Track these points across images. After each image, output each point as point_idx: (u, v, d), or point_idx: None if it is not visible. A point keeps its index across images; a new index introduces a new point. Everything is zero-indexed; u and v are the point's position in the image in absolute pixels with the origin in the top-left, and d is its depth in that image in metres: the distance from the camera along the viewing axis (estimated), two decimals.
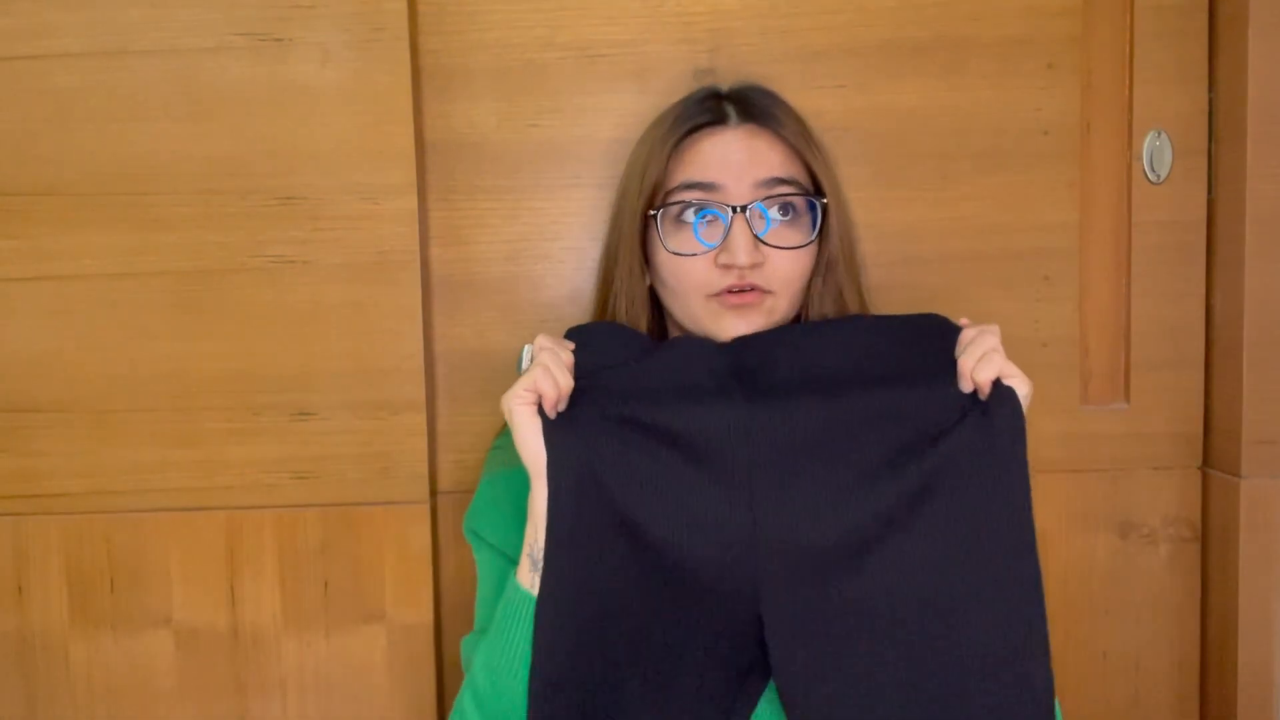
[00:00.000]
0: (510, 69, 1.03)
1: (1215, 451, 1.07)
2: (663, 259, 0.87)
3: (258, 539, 1.02)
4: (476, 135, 1.04)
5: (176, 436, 1.02)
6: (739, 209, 0.84)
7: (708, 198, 0.86)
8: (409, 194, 1.00)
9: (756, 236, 0.84)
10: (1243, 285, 1.02)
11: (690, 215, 0.86)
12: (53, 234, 1.00)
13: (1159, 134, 1.05)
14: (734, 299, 0.85)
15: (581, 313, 1.05)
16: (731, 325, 0.85)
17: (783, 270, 0.86)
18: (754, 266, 0.84)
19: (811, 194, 0.88)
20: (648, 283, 0.91)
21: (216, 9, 0.99)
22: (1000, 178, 1.05)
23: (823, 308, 0.90)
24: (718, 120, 0.88)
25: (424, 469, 1.02)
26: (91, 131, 0.99)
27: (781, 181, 0.86)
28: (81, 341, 1.01)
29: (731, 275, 0.85)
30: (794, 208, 0.87)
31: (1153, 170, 1.06)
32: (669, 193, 0.87)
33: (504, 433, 0.94)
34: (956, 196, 1.05)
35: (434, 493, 1.05)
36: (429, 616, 1.03)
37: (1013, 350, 1.06)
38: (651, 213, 0.87)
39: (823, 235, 0.89)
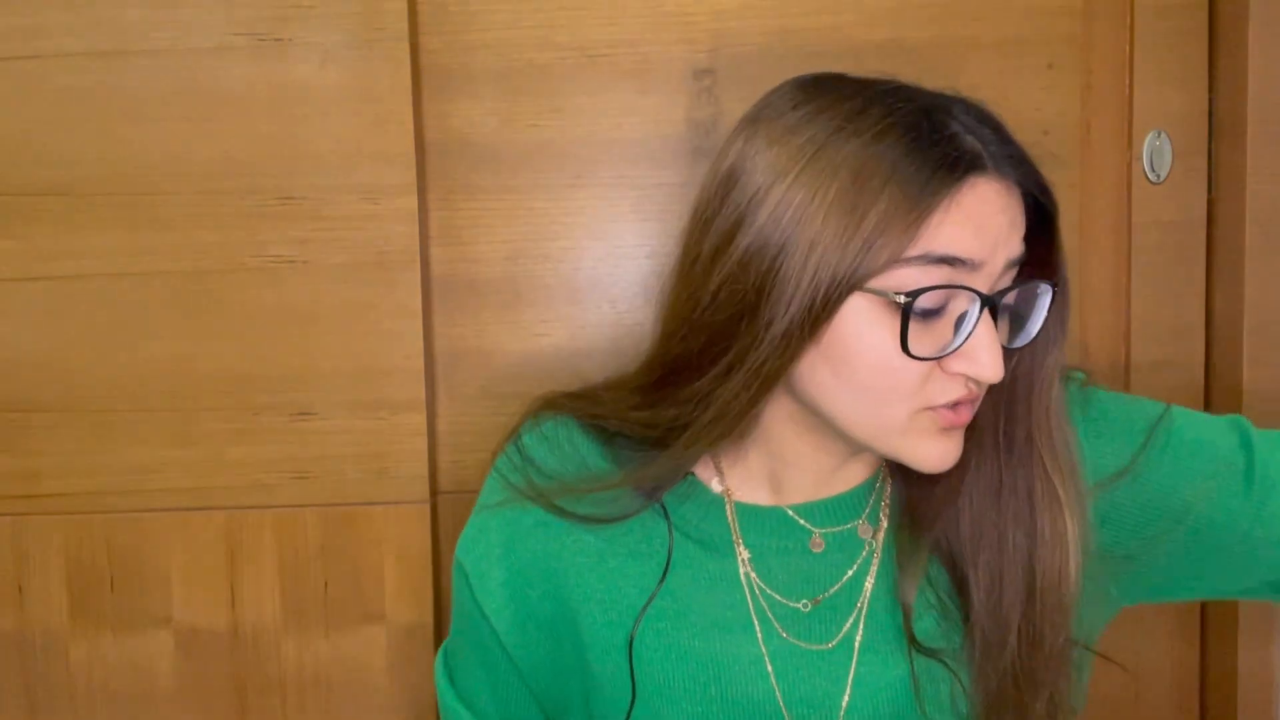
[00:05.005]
0: (510, 69, 1.03)
1: None
2: (867, 355, 0.64)
3: (258, 539, 1.02)
4: (476, 135, 1.04)
5: (176, 436, 1.02)
6: (991, 302, 0.64)
7: (960, 279, 0.63)
8: (409, 194, 1.00)
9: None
10: (1243, 285, 1.02)
11: (934, 303, 0.64)
12: (53, 234, 1.00)
13: (1159, 134, 1.05)
14: (953, 415, 0.66)
15: (582, 313, 1.05)
16: (940, 450, 0.66)
17: None
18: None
19: (1048, 279, 0.67)
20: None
21: (216, 9, 0.99)
22: None
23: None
24: (977, 165, 0.64)
25: (424, 469, 1.02)
26: (91, 131, 0.99)
27: (1017, 263, 0.66)
28: (81, 341, 1.01)
29: (959, 386, 0.65)
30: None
31: (1153, 170, 1.06)
32: (900, 262, 0.62)
33: (507, 451, 0.80)
34: None
35: (434, 493, 1.05)
36: (429, 616, 1.03)
37: None
38: (901, 298, 0.62)
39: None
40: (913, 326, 0.63)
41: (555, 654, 0.76)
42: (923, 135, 0.63)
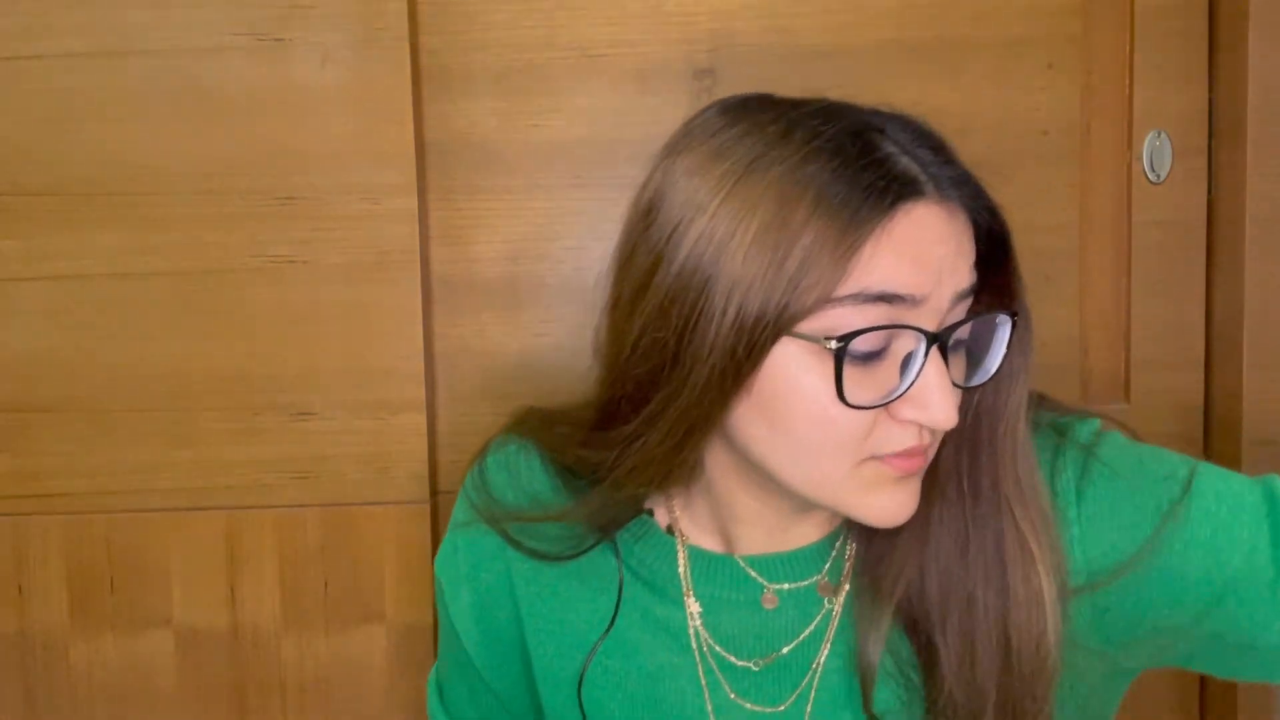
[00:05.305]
0: (510, 69, 1.03)
1: (1215, 451, 1.06)
2: (801, 405, 0.58)
3: (258, 539, 1.02)
4: (476, 135, 1.04)
5: (176, 436, 1.02)
6: (938, 339, 0.57)
7: (902, 317, 0.57)
8: (409, 194, 1.00)
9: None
10: (1243, 285, 1.02)
11: (874, 345, 0.57)
12: (53, 234, 1.00)
13: (1159, 134, 1.05)
14: (905, 462, 0.59)
15: (581, 313, 1.05)
16: (893, 501, 0.60)
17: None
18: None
19: (1007, 309, 0.61)
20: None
21: (216, 9, 0.99)
22: (1000, 178, 1.05)
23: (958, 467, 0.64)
24: (912, 190, 0.57)
25: (424, 469, 1.02)
26: (91, 131, 0.99)
27: (967, 294, 0.60)
28: (81, 341, 1.01)
29: (911, 434, 0.59)
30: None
31: (1153, 170, 1.06)
32: (831, 301, 0.56)
33: (473, 470, 0.76)
34: None
35: (434, 493, 1.05)
36: (429, 616, 1.03)
37: None
38: (832, 344, 0.56)
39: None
40: (850, 372, 0.56)
41: (526, 675, 0.75)
42: (850, 159, 0.57)
